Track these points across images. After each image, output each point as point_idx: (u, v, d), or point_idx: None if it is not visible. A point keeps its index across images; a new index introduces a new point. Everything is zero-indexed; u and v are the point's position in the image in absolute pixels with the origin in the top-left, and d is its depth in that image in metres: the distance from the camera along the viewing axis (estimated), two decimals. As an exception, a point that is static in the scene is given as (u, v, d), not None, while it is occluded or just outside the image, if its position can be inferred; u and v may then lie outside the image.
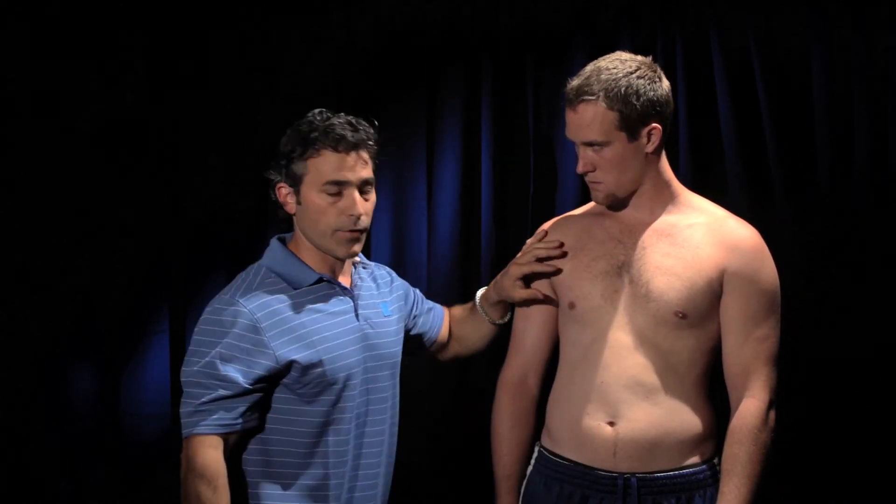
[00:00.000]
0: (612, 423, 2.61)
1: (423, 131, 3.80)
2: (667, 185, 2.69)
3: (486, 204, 3.81)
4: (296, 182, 2.52)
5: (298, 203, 2.54)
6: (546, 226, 2.81)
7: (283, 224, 2.62)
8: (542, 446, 2.74)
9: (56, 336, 3.61)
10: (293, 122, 2.57)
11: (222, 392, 2.44)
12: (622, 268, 2.66)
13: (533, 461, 2.75)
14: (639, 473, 2.62)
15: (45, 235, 3.60)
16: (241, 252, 3.53)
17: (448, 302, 3.83)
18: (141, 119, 3.65)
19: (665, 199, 2.69)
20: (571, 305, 2.68)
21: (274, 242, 2.60)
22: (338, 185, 2.51)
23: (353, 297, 2.62)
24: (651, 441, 2.61)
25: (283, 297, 2.52)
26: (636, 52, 3.74)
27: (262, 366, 2.47)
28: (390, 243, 3.81)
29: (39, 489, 3.59)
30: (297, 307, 2.52)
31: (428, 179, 3.82)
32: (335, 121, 2.52)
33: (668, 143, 3.72)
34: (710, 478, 2.65)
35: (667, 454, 2.62)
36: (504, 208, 3.82)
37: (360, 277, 2.67)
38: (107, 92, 3.62)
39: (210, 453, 2.43)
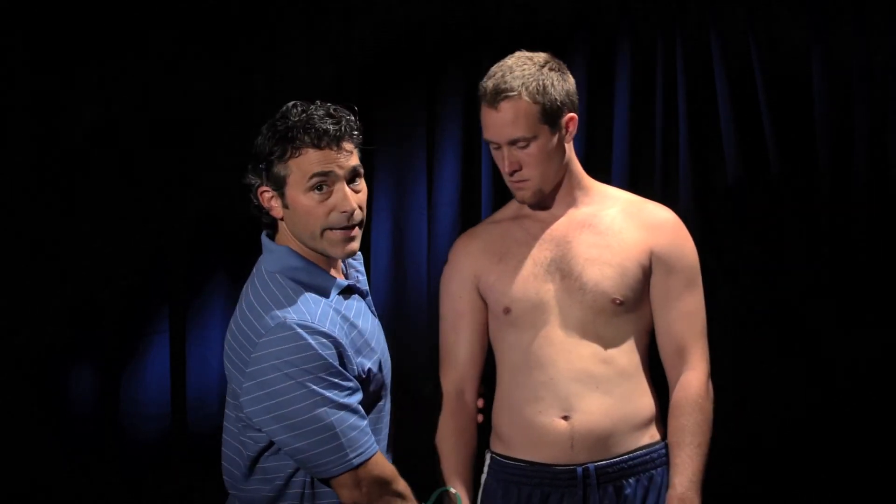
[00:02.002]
0: (566, 418, 2.64)
1: (423, 131, 3.80)
2: (579, 178, 2.75)
3: (486, 204, 3.81)
4: (279, 184, 2.39)
5: (285, 206, 2.41)
6: (462, 238, 2.82)
7: (270, 225, 2.54)
8: (493, 452, 2.75)
9: (56, 336, 3.61)
10: (268, 120, 2.47)
11: (354, 419, 2.35)
12: (551, 265, 2.68)
13: (486, 468, 2.75)
14: (595, 462, 2.64)
15: (44, 235, 3.59)
16: (241, 252, 3.52)
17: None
18: (141, 120, 3.65)
19: (579, 191, 2.75)
20: (507, 311, 2.69)
21: (282, 249, 2.46)
22: (323, 177, 2.36)
23: (362, 295, 2.57)
24: (606, 430, 2.64)
25: (328, 308, 2.40)
26: (636, 52, 3.79)
27: (355, 383, 2.39)
28: (390, 243, 3.81)
29: (39, 489, 3.59)
30: (345, 317, 2.42)
31: (428, 179, 3.81)
32: (314, 113, 2.37)
33: (669, 144, 3.76)
34: (666, 455, 2.70)
35: (622, 440, 2.67)
36: (504, 208, 3.82)
37: (356, 271, 2.61)
38: (106, 92, 3.62)
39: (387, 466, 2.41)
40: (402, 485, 2.43)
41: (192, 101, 3.68)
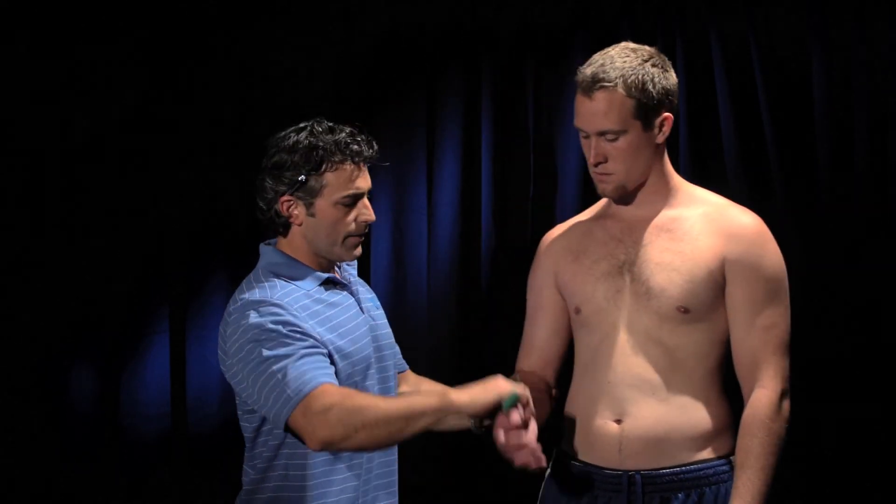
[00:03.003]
0: (618, 421, 2.58)
1: (423, 131, 3.80)
2: (669, 178, 2.64)
3: (486, 204, 3.81)
4: (311, 195, 2.53)
5: (311, 215, 2.55)
6: (548, 234, 2.80)
7: (279, 231, 2.59)
8: (559, 448, 2.73)
9: (56, 336, 3.61)
10: (284, 131, 2.54)
11: (295, 363, 2.43)
12: (623, 267, 2.62)
13: (551, 463, 2.72)
14: (644, 470, 2.59)
15: (45, 235, 3.60)
16: (241, 253, 3.53)
17: (447, 303, 3.84)
18: (141, 121, 3.65)
19: (666, 193, 2.64)
20: (577, 310, 2.65)
21: (269, 249, 2.60)
22: (355, 197, 2.55)
23: (352, 293, 2.64)
24: (657, 438, 2.56)
25: (302, 295, 2.53)
26: (636, 53, 3.75)
27: (311, 341, 2.47)
28: (390, 243, 3.81)
29: (39, 489, 3.59)
30: (318, 303, 2.54)
31: (428, 179, 3.82)
32: (344, 137, 2.54)
33: (669, 144, 3.75)
34: (726, 473, 2.58)
35: (674, 450, 2.57)
36: (504, 208, 3.82)
37: (349, 273, 2.69)
38: (107, 94, 3.62)
39: (335, 389, 2.42)
40: (358, 399, 2.43)
41: (193, 101, 3.68)
